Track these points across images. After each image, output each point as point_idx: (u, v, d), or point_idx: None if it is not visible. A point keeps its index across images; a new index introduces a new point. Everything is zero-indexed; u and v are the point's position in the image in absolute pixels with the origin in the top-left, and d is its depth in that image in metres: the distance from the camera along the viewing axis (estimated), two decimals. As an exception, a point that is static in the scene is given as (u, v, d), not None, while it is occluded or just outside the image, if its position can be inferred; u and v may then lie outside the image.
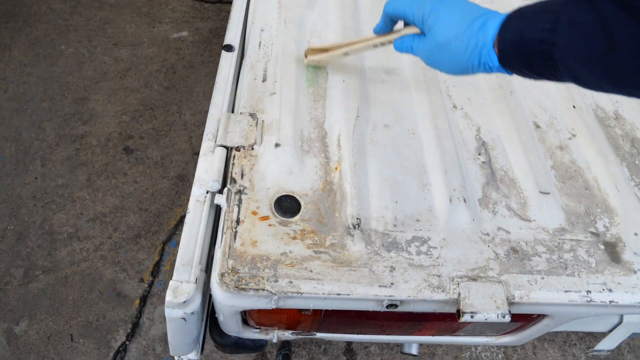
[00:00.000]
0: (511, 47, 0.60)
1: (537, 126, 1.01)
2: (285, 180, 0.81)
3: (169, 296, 0.68)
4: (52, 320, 1.62)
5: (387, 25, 0.81)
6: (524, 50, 0.58)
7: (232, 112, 0.94)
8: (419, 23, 0.71)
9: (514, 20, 0.60)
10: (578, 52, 0.53)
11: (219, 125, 0.87)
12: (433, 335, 0.99)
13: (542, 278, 0.76)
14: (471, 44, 0.63)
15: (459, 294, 0.71)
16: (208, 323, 0.90)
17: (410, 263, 0.74)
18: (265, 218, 0.76)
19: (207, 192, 0.79)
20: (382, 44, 0.83)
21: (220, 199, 0.79)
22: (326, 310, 0.78)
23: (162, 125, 2.20)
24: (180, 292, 0.68)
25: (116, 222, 1.87)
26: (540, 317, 0.86)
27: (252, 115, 0.90)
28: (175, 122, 2.22)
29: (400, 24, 0.79)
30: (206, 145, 0.85)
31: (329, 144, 0.89)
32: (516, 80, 1.09)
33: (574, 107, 1.05)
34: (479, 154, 0.93)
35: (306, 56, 0.98)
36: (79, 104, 2.23)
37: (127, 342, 1.61)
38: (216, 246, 0.75)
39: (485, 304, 0.71)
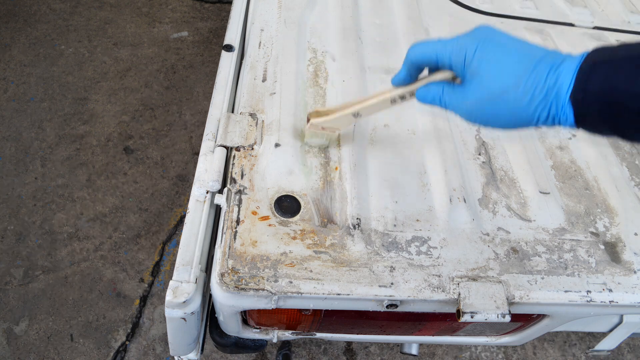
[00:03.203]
0: (596, 101, 0.47)
1: (537, 126, 1.01)
2: (285, 180, 0.81)
3: (169, 296, 0.68)
4: (52, 320, 1.62)
5: (410, 75, 0.64)
6: (615, 106, 0.45)
7: (232, 112, 0.94)
8: (458, 68, 0.56)
9: (600, 66, 0.47)
10: None
11: (219, 125, 0.87)
12: (433, 335, 0.99)
13: (542, 278, 0.76)
14: (538, 93, 0.50)
15: (459, 294, 0.71)
16: (208, 323, 0.90)
17: (410, 263, 0.74)
18: (265, 218, 0.76)
19: (207, 192, 0.79)
20: (402, 98, 0.66)
21: (220, 199, 0.79)
22: (326, 310, 0.78)
23: (162, 125, 2.20)
24: (180, 292, 0.68)
25: (116, 222, 1.87)
26: (540, 317, 0.86)
27: (252, 115, 0.90)
28: (175, 122, 2.22)
29: (424, 72, 0.66)
30: (206, 145, 0.85)
31: (329, 144, 0.89)
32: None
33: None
34: (479, 154, 0.93)
35: (308, 120, 0.80)
36: (79, 104, 2.23)
37: (127, 342, 1.61)
38: (216, 246, 0.75)
39: (485, 304, 0.71)
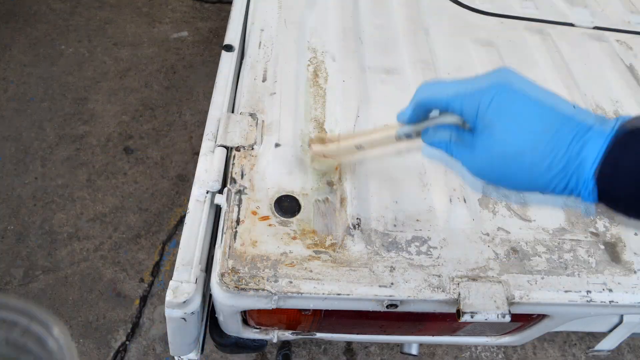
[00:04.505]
0: (630, 180, 0.41)
1: (537, 126, 1.01)
2: (285, 180, 0.81)
3: (169, 296, 0.68)
4: (52, 320, 1.62)
5: (417, 115, 0.57)
6: None
7: (232, 112, 0.94)
8: (470, 118, 0.50)
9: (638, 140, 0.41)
10: None
11: (219, 125, 0.87)
12: (433, 335, 0.99)
13: (542, 278, 0.76)
14: (557, 162, 0.44)
15: (459, 294, 0.71)
16: (208, 323, 0.90)
17: (410, 263, 0.74)
18: (265, 218, 0.76)
19: (207, 192, 0.79)
20: (408, 136, 0.60)
21: (220, 199, 0.79)
22: (326, 310, 0.78)
23: (162, 125, 2.20)
24: (180, 292, 0.68)
25: (116, 222, 1.87)
26: (540, 317, 0.86)
27: (252, 115, 0.90)
28: (175, 122, 2.22)
29: (434, 112, 0.58)
30: (206, 145, 0.85)
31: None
32: (516, 80, 1.09)
33: (574, 107, 1.04)
34: (479, 154, 0.93)
35: (310, 146, 0.80)
36: (79, 104, 2.23)
37: (127, 342, 1.61)
38: (216, 246, 0.75)
39: (485, 304, 0.71)
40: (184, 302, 0.68)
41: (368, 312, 0.76)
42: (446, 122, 0.55)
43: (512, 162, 0.46)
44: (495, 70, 0.51)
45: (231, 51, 1.03)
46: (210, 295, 0.75)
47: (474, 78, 0.52)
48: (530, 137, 0.45)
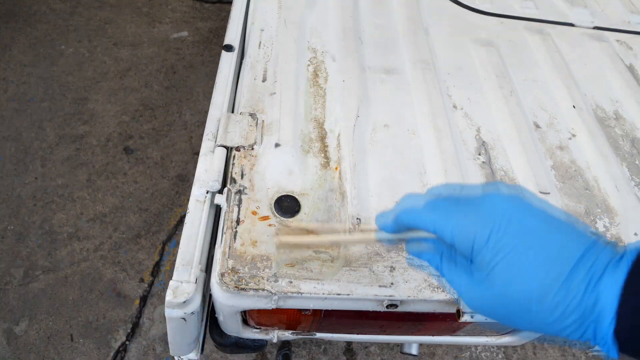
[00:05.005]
0: None
1: (537, 126, 1.01)
2: (285, 180, 0.81)
3: (169, 296, 0.68)
4: (52, 320, 1.62)
5: (398, 227, 0.50)
6: None
7: (232, 112, 0.94)
8: (464, 251, 0.43)
9: None
10: None
11: (219, 125, 0.87)
12: (433, 335, 0.99)
13: (542, 278, 0.76)
14: (569, 314, 0.38)
15: (459, 294, 0.71)
16: (208, 323, 0.90)
17: (410, 263, 0.74)
18: (265, 218, 0.76)
19: (207, 192, 0.79)
20: (390, 241, 0.53)
21: (220, 199, 0.79)
22: (326, 310, 0.77)
23: (162, 125, 2.20)
24: (180, 292, 0.68)
25: (116, 222, 1.87)
26: (540, 317, 0.86)
27: (252, 115, 0.90)
28: (175, 122, 2.22)
29: None
30: (206, 145, 0.85)
31: (329, 144, 0.89)
32: (516, 80, 1.09)
33: (574, 107, 1.05)
34: (479, 154, 0.93)
35: (276, 235, 0.72)
36: (79, 104, 2.23)
37: (127, 342, 1.61)
38: (216, 246, 0.75)
39: (485, 304, 0.71)
40: (184, 302, 0.68)
41: (368, 312, 0.76)
42: (432, 236, 0.48)
43: (516, 308, 0.41)
44: (488, 186, 0.46)
45: (231, 51, 1.03)
46: (210, 295, 0.75)
47: (464, 201, 0.45)
48: (536, 286, 0.39)
